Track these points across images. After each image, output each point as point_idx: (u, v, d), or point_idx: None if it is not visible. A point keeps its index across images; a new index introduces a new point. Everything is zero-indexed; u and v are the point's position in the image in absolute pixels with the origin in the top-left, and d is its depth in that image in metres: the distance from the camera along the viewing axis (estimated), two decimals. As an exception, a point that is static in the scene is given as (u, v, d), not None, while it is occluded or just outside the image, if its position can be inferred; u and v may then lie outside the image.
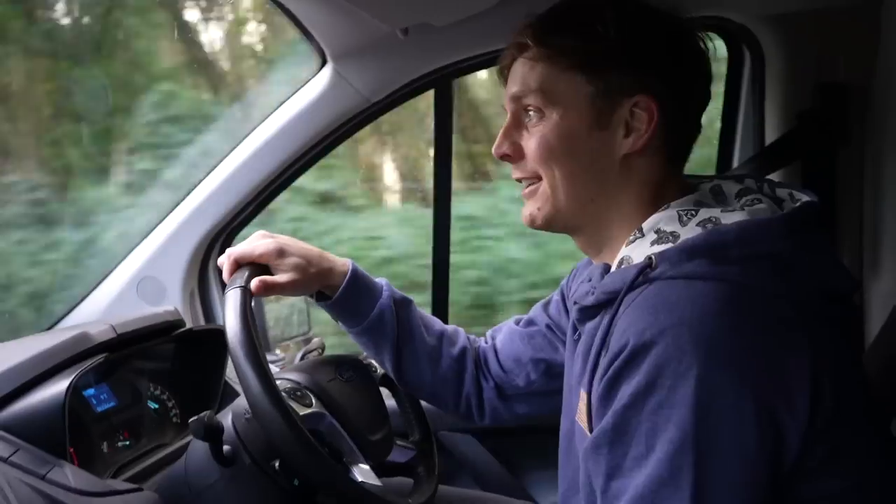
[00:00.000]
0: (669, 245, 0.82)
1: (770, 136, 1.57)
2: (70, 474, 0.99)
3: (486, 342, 1.28)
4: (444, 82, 1.65)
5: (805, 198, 0.86)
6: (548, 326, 1.21)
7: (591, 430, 0.82)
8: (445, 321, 1.31)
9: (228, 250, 1.10)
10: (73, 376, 1.05)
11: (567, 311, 1.16)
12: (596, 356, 0.83)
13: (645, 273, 0.80)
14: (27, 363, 1.08)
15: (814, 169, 1.52)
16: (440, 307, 1.83)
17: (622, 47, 0.88)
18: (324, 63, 1.57)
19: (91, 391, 1.25)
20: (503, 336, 1.26)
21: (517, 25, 0.95)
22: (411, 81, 1.59)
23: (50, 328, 1.67)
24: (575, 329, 0.98)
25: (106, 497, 1.00)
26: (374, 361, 1.28)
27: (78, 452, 1.12)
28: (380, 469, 1.12)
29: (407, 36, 1.47)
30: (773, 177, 1.52)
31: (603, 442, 0.77)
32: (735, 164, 1.66)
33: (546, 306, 1.23)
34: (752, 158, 1.58)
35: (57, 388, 1.04)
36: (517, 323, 1.26)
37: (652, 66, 0.89)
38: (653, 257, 0.80)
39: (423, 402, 1.30)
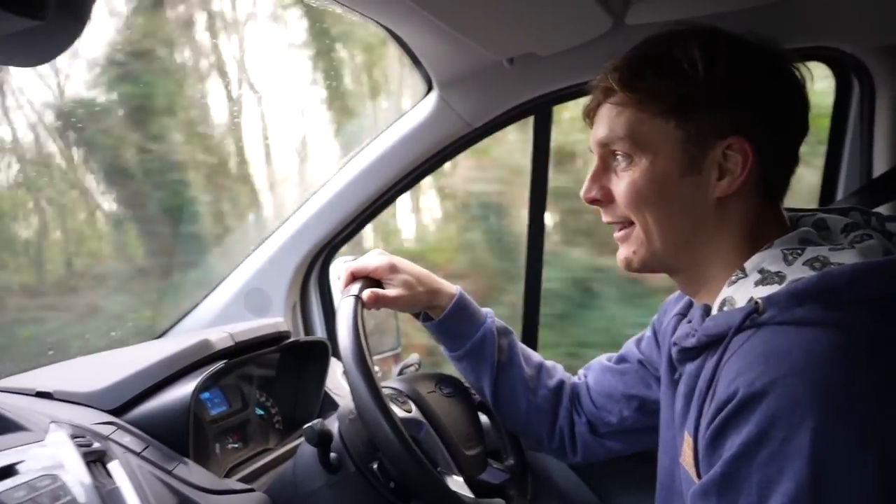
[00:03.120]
0: (775, 286, 0.79)
1: (878, 169, 1.53)
2: (192, 472, 1.06)
3: (580, 379, 1.29)
4: (543, 109, 1.68)
5: None
6: (640, 363, 1.20)
7: (698, 475, 0.81)
8: (534, 348, 1.33)
9: (347, 264, 1.16)
10: (197, 380, 1.12)
11: (658, 347, 1.16)
12: (700, 401, 0.81)
13: (752, 318, 0.78)
14: (156, 366, 1.16)
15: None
16: (530, 335, 1.84)
17: (713, 88, 0.85)
18: (429, 89, 1.63)
19: (207, 395, 1.33)
20: (595, 372, 1.27)
21: (605, 67, 0.93)
22: (513, 108, 1.64)
23: (162, 334, 1.78)
24: (674, 368, 0.97)
25: (224, 495, 1.06)
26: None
27: (195, 452, 1.19)
28: (472, 486, 1.14)
29: (512, 65, 1.52)
30: (881, 210, 1.49)
31: (711, 490, 0.75)
32: (839, 196, 1.62)
33: (638, 343, 1.23)
34: (858, 191, 1.54)
35: (183, 390, 1.12)
36: (609, 360, 1.27)
37: (745, 105, 0.86)
38: (759, 302, 0.77)
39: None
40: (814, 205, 1.66)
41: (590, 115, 0.96)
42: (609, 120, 0.91)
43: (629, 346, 1.24)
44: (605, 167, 0.94)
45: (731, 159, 0.86)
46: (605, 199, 0.94)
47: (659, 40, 0.91)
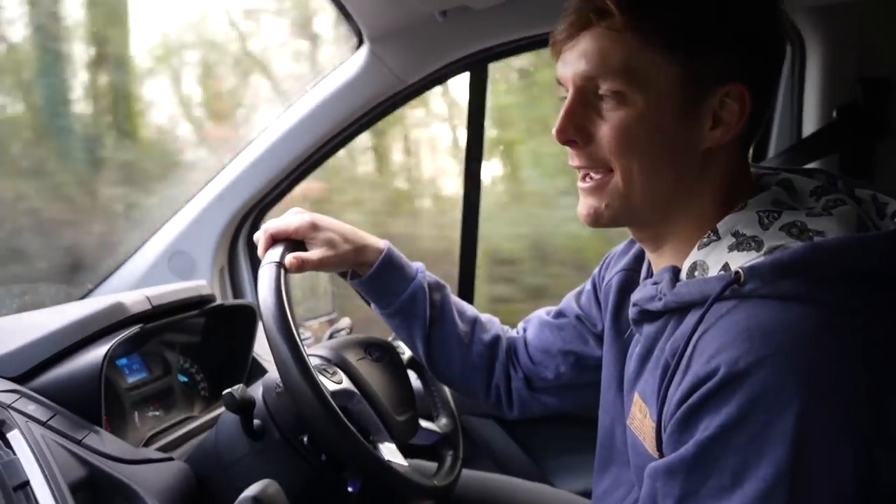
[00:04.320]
0: (753, 253, 0.75)
1: (808, 129, 1.55)
2: (104, 441, 1.01)
3: (518, 333, 1.27)
4: (479, 66, 1.64)
5: None
6: (578, 318, 1.18)
7: (658, 447, 0.78)
8: (471, 302, 1.30)
9: (264, 226, 1.09)
10: (109, 345, 1.06)
11: (598, 302, 1.14)
12: (666, 370, 0.77)
13: (733, 288, 0.73)
14: (64, 330, 1.09)
15: (851, 162, 1.49)
16: (466, 292, 1.82)
17: (718, 25, 0.77)
18: (360, 44, 1.57)
19: (124, 361, 1.27)
20: (533, 327, 1.24)
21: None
22: (447, 64, 1.59)
23: (83, 297, 1.70)
24: (621, 326, 0.94)
25: (139, 464, 1.01)
26: (403, 345, 1.28)
27: (110, 420, 1.14)
28: (404, 450, 1.13)
29: (445, 18, 1.47)
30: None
31: (679, 469, 0.72)
32: (770, 154, 1.64)
33: (577, 297, 1.20)
34: (788, 149, 1.56)
35: (94, 356, 1.05)
36: (548, 314, 1.24)
37: (747, 49, 0.78)
38: (741, 272, 0.73)
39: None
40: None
41: (568, 38, 0.82)
42: (600, 48, 0.79)
43: (568, 301, 1.21)
44: (584, 103, 0.82)
45: (727, 107, 0.79)
46: (583, 141, 0.83)
47: None
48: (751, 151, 0.94)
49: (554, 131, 0.84)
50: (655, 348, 0.83)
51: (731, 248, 0.78)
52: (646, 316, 0.86)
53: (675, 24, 0.77)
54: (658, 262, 0.90)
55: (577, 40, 0.81)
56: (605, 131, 0.81)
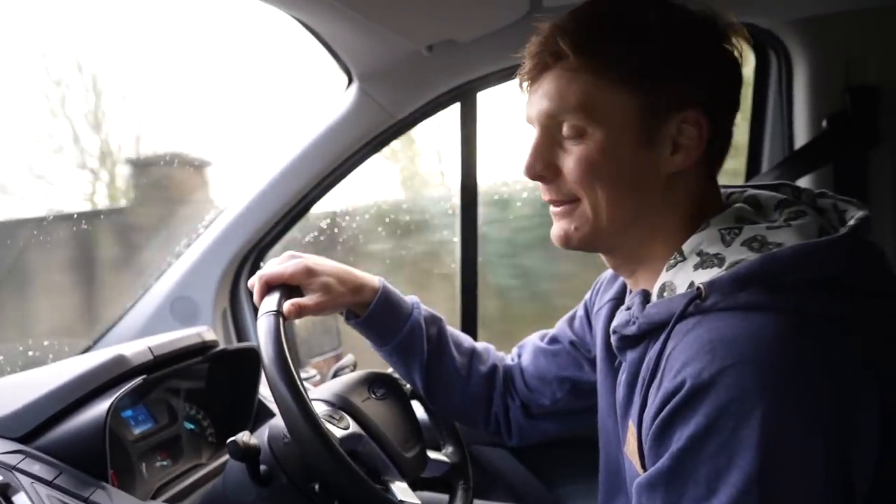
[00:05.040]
0: (716, 269, 0.77)
1: (800, 141, 1.55)
2: (112, 497, 1.00)
3: (513, 360, 1.27)
4: (468, 96, 1.66)
5: (857, 212, 0.81)
6: (572, 343, 1.18)
7: (643, 466, 0.79)
8: (474, 335, 1.30)
9: (258, 273, 1.09)
10: (112, 399, 1.06)
11: (591, 327, 1.14)
12: (644, 390, 0.79)
13: (695, 304, 0.75)
14: (67, 386, 1.09)
15: (845, 172, 1.50)
16: (469, 321, 1.82)
17: (671, 57, 0.81)
18: (350, 82, 1.59)
19: (129, 412, 1.26)
20: (528, 353, 1.24)
21: (545, 30, 0.85)
22: (436, 97, 1.61)
23: (86, 350, 1.70)
24: (613, 356, 0.94)
25: (147, 518, 1.00)
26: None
27: (118, 474, 1.13)
28: (415, 484, 1.12)
29: (431, 53, 1.48)
30: (805, 181, 1.51)
31: (658, 482, 0.74)
32: (764, 168, 1.64)
33: (570, 322, 1.20)
34: (780, 163, 1.56)
35: (97, 410, 1.05)
36: (542, 339, 1.24)
37: (700, 78, 0.82)
38: (702, 287, 0.75)
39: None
40: (740, 180, 1.67)
41: (530, 84, 0.88)
42: (558, 88, 0.84)
43: (561, 326, 1.22)
44: (550, 141, 0.86)
45: (685, 133, 0.82)
46: (550, 175, 0.87)
47: (609, 2, 0.84)
48: (745, 168, 0.96)
49: (523, 168, 0.88)
50: (640, 373, 0.84)
51: (696, 267, 0.80)
52: (626, 342, 0.87)
53: (626, 61, 0.81)
54: (635, 287, 0.92)
55: (540, 83, 0.86)
56: (569, 165, 0.85)
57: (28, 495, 0.88)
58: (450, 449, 1.29)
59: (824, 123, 1.51)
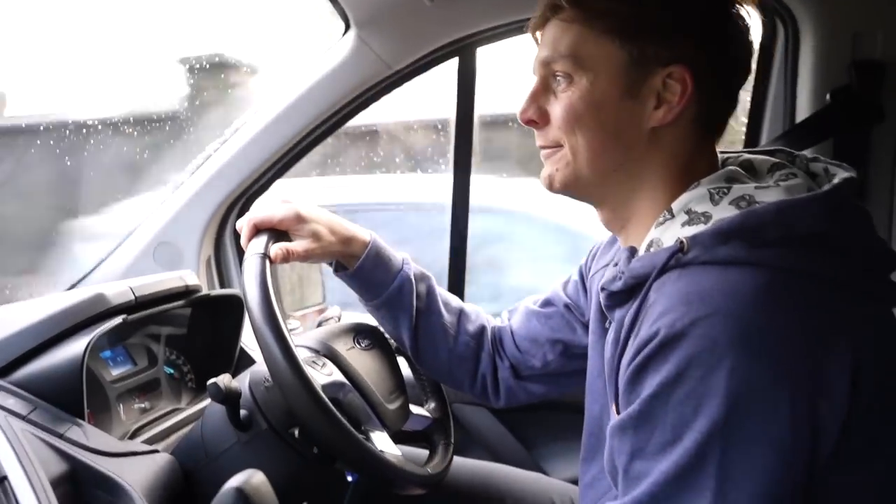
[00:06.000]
0: (701, 226, 0.79)
1: (801, 114, 1.53)
2: (87, 434, 0.99)
3: (503, 322, 1.27)
4: (467, 51, 1.62)
5: (844, 173, 0.82)
6: (566, 306, 1.18)
7: (618, 412, 0.81)
8: (461, 295, 1.29)
9: (247, 215, 1.08)
10: (91, 336, 1.04)
11: (585, 291, 1.14)
12: (624, 341, 0.80)
13: (676, 257, 0.77)
14: (45, 322, 1.07)
15: (846, 147, 1.48)
16: (457, 287, 1.80)
17: (661, 14, 0.83)
18: (347, 29, 1.55)
19: (108, 353, 1.24)
20: (520, 316, 1.24)
21: None
22: (435, 49, 1.57)
23: (68, 290, 1.67)
24: (604, 317, 0.95)
25: (122, 457, 0.99)
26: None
27: (94, 413, 1.12)
28: (396, 437, 1.11)
29: (433, 2, 1.45)
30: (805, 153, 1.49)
31: (628, 426, 0.76)
32: (763, 141, 1.62)
33: (564, 286, 1.21)
34: (781, 136, 1.54)
35: (75, 348, 1.03)
36: (534, 303, 1.24)
37: (690, 36, 0.83)
38: (684, 241, 0.77)
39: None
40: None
41: (534, 33, 0.93)
42: (553, 38, 0.88)
43: (555, 290, 1.22)
44: (545, 88, 0.90)
45: (669, 88, 0.84)
46: (542, 121, 0.90)
47: None
48: (744, 138, 0.95)
49: (517, 113, 0.92)
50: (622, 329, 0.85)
51: (683, 225, 0.81)
52: (614, 300, 0.88)
53: (618, 14, 0.84)
54: (625, 245, 0.92)
55: (542, 35, 0.91)
56: (556, 111, 0.88)
57: (2, 429, 0.86)
58: (432, 405, 1.29)
59: (828, 97, 1.49)
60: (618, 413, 0.80)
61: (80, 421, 1.00)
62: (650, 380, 0.73)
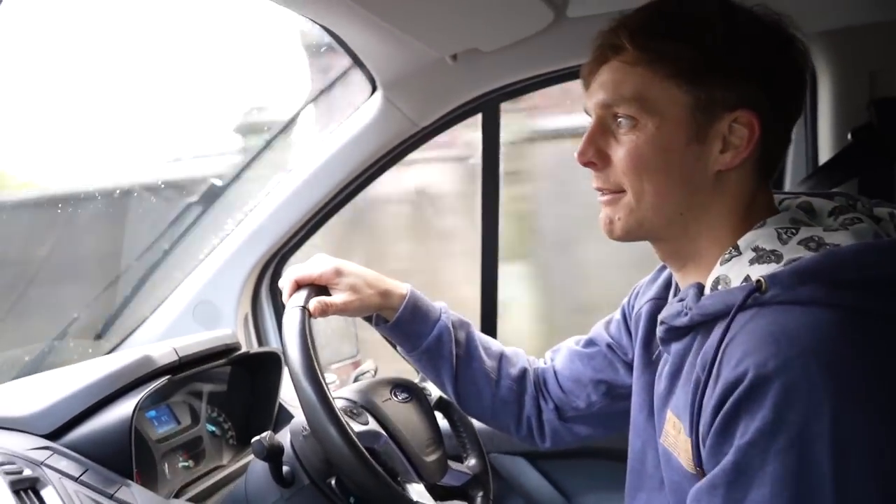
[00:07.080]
0: (773, 265, 0.78)
1: (824, 154, 1.54)
2: (136, 494, 1.02)
3: (546, 363, 1.27)
4: (490, 106, 1.67)
5: None
6: (609, 346, 1.18)
7: (696, 462, 0.79)
8: (494, 332, 1.29)
9: (288, 271, 1.11)
10: (138, 398, 1.07)
11: (629, 331, 1.14)
12: (698, 383, 0.79)
13: (754, 296, 0.75)
14: (94, 385, 1.11)
15: (871, 184, 1.48)
16: (488, 320, 1.81)
17: (729, 56, 0.82)
18: (374, 90, 1.60)
19: (152, 413, 1.28)
20: (563, 357, 1.24)
21: (610, 25, 0.88)
22: (459, 106, 1.62)
23: (111, 351, 1.72)
24: (650, 350, 0.95)
25: (170, 517, 1.02)
26: (430, 386, 1.28)
27: (141, 473, 1.14)
28: (434, 492, 1.12)
29: (455, 62, 1.50)
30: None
31: (721, 482, 0.73)
32: (787, 184, 1.63)
33: (607, 326, 1.20)
34: (806, 178, 1.55)
35: (123, 409, 1.07)
36: (577, 343, 1.24)
37: (758, 78, 0.83)
38: (763, 280, 0.75)
39: (476, 423, 1.29)
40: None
41: (591, 73, 0.90)
42: (614, 79, 0.86)
43: (598, 329, 1.22)
44: (604, 129, 0.88)
45: (736, 132, 0.83)
46: (602, 163, 0.89)
47: (675, 2, 0.86)
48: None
49: (576, 154, 0.90)
50: (685, 364, 0.85)
51: (751, 262, 0.81)
52: (673, 334, 0.88)
53: (684, 58, 0.82)
54: (683, 281, 0.92)
55: (598, 74, 0.89)
56: (619, 154, 0.87)
57: (56, 490, 0.89)
58: (472, 461, 1.29)
59: (849, 136, 1.50)
60: (697, 468, 0.79)
61: (129, 481, 1.03)
62: (744, 426, 0.71)
